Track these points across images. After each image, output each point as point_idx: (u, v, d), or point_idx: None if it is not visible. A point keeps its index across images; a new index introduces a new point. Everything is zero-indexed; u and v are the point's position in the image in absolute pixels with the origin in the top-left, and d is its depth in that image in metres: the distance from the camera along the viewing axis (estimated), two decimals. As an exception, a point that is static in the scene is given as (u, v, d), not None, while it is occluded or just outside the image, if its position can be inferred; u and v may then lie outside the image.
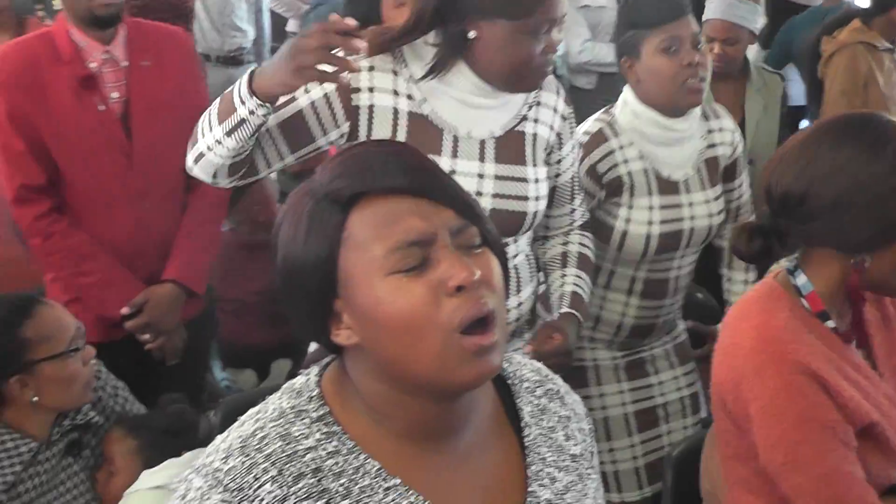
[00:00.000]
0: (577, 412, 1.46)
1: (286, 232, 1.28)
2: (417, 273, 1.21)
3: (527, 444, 1.37)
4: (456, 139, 2.19)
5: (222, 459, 1.23)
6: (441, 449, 1.30)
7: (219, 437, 1.29)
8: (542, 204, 2.31)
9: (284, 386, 1.32)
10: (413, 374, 1.23)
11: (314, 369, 1.34)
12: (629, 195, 2.65)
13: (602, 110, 2.75)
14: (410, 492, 1.26)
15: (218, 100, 2.04)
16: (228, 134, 2.00)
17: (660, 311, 2.76)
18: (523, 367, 1.45)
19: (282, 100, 2.08)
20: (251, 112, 1.96)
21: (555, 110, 2.35)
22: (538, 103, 2.32)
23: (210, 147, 2.05)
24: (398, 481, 1.26)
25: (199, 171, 2.14)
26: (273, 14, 5.93)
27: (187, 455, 2.29)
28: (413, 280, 1.21)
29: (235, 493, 1.20)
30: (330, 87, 2.12)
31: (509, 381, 1.41)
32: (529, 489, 1.34)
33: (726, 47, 3.72)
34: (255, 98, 1.95)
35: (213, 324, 3.40)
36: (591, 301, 2.53)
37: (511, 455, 1.36)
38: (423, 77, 2.16)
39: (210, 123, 2.04)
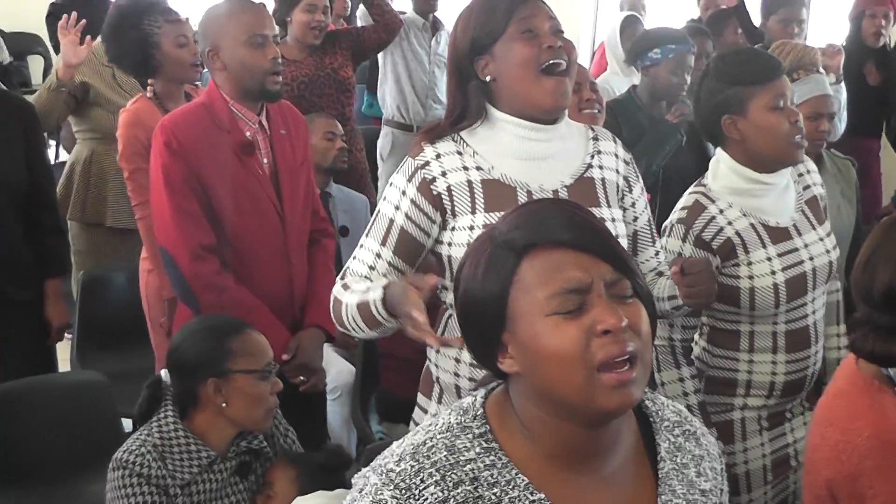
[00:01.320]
0: (711, 452, 1.61)
1: (468, 271, 1.48)
2: (573, 316, 1.39)
3: (660, 476, 1.52)
4: (530, 194, 2.31)
5: (395, 462, 1.42)
6: (585, 472, 1.46)
7: (395, 443, 1.48)
8: (624, 242, 2.40)
9: (455, 404, 1.51)
10: (562, 402, 1.40)
11: (481, 392, 1.52)
12: (744, 252, 2.68)
13: (694, 184, 2.79)
14: None
15: (356, 306, 2.27)
16: (371, 329, 2.29)
17: (807, 361, 2.77)
18: (665, 407, 1.60)
19: (380, 227, 2.36)
20: (386, 321, 2.22)
21: (616, 156, 2.45)
22: (599, 151, 2.42)
23: (360, 335, 2.35)
24: (543, 496, 1.43)
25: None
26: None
27: (338, 491, 2.52)
28: (569, 321, 1.39)
29: (404, 491, 1.39)
30: (411, 191, 2.32)
31: (651, 419, 1.56)
32: None
33: (829, 124, 3.61)
34: (387, 315, 2.20)
35: (373, 377, 3.73)
36: (738, 368, 2.70)
37: (646, 485, 1.51)
38: (463, 128, 2.35)
39: (357, 325, 2.30)
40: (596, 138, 2.44)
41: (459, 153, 2.34)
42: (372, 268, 2.35)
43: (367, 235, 2.41)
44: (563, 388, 1.39)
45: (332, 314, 2.39)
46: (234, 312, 3.03)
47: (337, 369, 4.00)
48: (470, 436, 1.45)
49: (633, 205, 2.48)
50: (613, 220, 2.39)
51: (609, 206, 2.39)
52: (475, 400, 1.50)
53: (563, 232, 1.43)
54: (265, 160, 3.12)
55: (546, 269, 1.41)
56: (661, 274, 2.54)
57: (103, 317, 3.74)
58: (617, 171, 2.44)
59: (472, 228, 2.28)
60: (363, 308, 2.24)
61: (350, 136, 4.90)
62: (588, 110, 3.19)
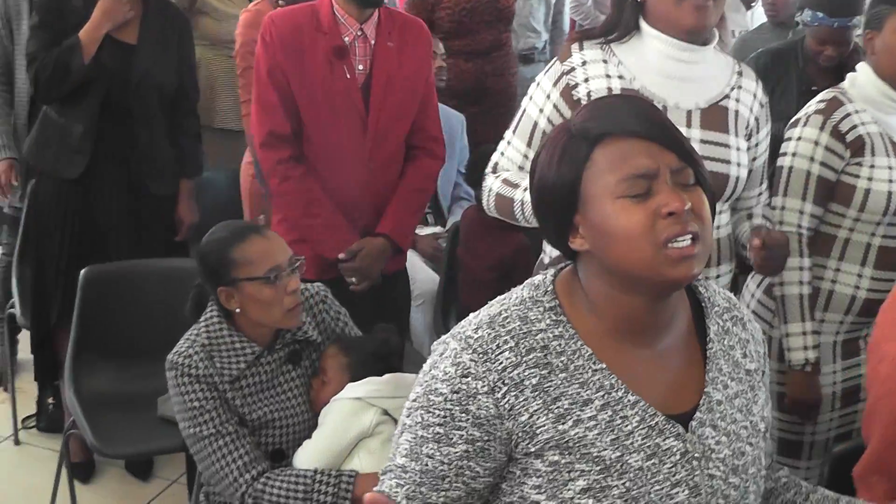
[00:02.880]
0: (756, 338, 1.76)
1: (544, 159, 1.62)
2: (641, 200, 1.53)
3: (709, 356, 1.66)
4: (665, 108, 2.42)
5: (473, 329, 1.58)
6: (641, 345, 1.61)
7: (471, 315, 1.63)
8: (743, 172, 2.51)
9: (527, 281, 1.66)
10: (630, 275, 1.55)
11: (551, 271, 1.67)
12: (871, 154, 2.75)
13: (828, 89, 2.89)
14: (612, 375, 1.58)
15: (521, 201, 2.45)
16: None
17: (891, 284, 2.76)
18: (717, 294, 1.75)
19: (525, 127, 2.52)
20: None
21: (754, 96, 2.56)
22: (740, 87, 2.53)
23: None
24: (604, 366, 1.58)
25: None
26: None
27: (388, 376, 2.63)
28: (636, 204, 1.53)
29: (481, 355, 1.55)
30: (555, 95, 2.47)
31: (703, 304, 1.71)
32: (705, 390, 1.64)
33: None
34: None
35: (454, 289, 3.91)
36: (823, 276, 2.81)
37: (695, 363, 1.66)
38: (613, 39, 2.47)
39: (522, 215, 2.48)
40: (740, 73, 2.56)
41: (605, 61, 2.47)
42: (521, 168, 2.51)
43: (513, 132, 2.57)
44: (631, 264, 1.53)
45: (492, 209, 2.53)
46: (295, 201, 3.24)
47: (422, 278, 4.15)
48: (541, 308, 1.60)
49: (756, 145, 2.58)
50: (738, 148, 2.49)
51: (737, 135, 2.50)
52: (545, 277, 1.65)
53: (634, 123, 1.56)
54: (360, 67, 3.23)
55: (617, 156, 1.55)
56: (751, 217, 2.64)
57: (204, 215, 3.95)
58: (751, 110, 2.54)
59: None
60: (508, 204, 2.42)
61: (504, 61, 5.03)
62: None
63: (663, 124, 1.60)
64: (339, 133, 3.23)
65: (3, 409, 4.19)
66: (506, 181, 2.52)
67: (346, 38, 3.22)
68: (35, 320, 3.83)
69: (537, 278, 1.66)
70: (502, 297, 1.65)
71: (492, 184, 2.55)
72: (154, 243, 3.73)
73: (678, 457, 1.58)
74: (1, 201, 4.30)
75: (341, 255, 3.24)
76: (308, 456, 2.56)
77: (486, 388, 1.54)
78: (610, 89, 2.43)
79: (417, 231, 4.16)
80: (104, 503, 3.76)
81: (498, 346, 1.56)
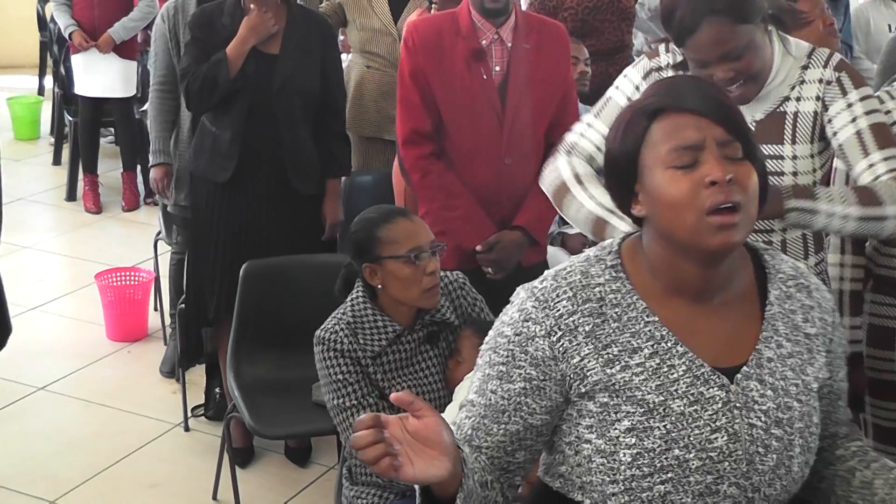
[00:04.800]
0: (823, 305, 1.85)
1: (611, 134, 1.81)
2: (687, 170, 1.67)
3: (766, 316, 1.79)
4: None
5: (540, 281, 1.78)
6: (696, 304, 1.75)
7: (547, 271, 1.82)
8: (807, 179, 2.51)
9: (597, 245, 1.84)
10: (677, 240, 1.70)
11: (621, 236, 1.85)
12: None
13: None
14: (663, 327, 1.73)
15: (591, 215, 2.52)
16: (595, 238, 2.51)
17: None
18: (784, 262, 1.86)
19: (609, 113, 2.59)
20: None
21: (819, 81, 2.50)
22: (802, 82, 2.51)
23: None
24: (656, 318, 1.74)
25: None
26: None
27: None
28: (684, 174, 1.68)
29: (542, 302, 1.74)
30: (643, 86, 2.56)
31: (767, 271, 1.83)
32: (756, 347, 1.76)
33: None
34: None
35: None
36: None
37: (751, 323, 1.79)
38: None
39: (577, 224, 2.60)
40: (806, 67, 2.51)
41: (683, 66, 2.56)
42: (599, 149, 2.59)
43: (596, 116, 2.68)
44: (677, 229, 1.68)
45: (550, 192, 2.66)
46: (435, 195, 3.45)
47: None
48: (602, 265, 1.77)
49: (829, 121, 2.49)
50: (795, 157, 2.51)
51: (794, 142, 2.51)
52: (612, 241, 1.83)
53: (687, 99, 1.71)
54: (497, 68, 3.43)
55: (669, 129, 1.70)
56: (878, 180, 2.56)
57: (353, 215, 4.12)
58: (816, 98, 2.50)
59: None
60: (598, 224, 2.49)
61: (627, 63, 5.09)
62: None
63: (717, 100, 1.73)
64: (477, 131, 3.43)
65: (175, 398, 4.47)
66: (576, 176, 2.60)
67: (484, 42, 3.43)
68: (191, 312, 4.13)
69: (606, 241, 1.83)
70: (574, 256, 1.84)
71: (562, 167, 2.64)
72: (303, 241, 3.92)
73: (720, 405, 1.70)
74: (165, 201, 4.61)
75: (478, 247, 3.41)
76: None
77: (543, 332, 1.72)
78: None
79: (567, 230, 4.26)
80: (263, 486, 3.99)
81: (557, 296, 1.73)
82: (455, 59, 3.41)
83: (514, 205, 3.48)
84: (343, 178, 4.23)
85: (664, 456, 1.68)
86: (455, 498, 1.65)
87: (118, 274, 5.17)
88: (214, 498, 3.88)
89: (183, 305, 4.29)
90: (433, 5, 4.44)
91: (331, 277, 3.20)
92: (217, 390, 4.37)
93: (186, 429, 4.34)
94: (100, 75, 6.56)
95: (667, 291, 1.75)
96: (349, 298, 2.90)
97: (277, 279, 3.75)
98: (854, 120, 2.49)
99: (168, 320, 4.95)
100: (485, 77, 3.42)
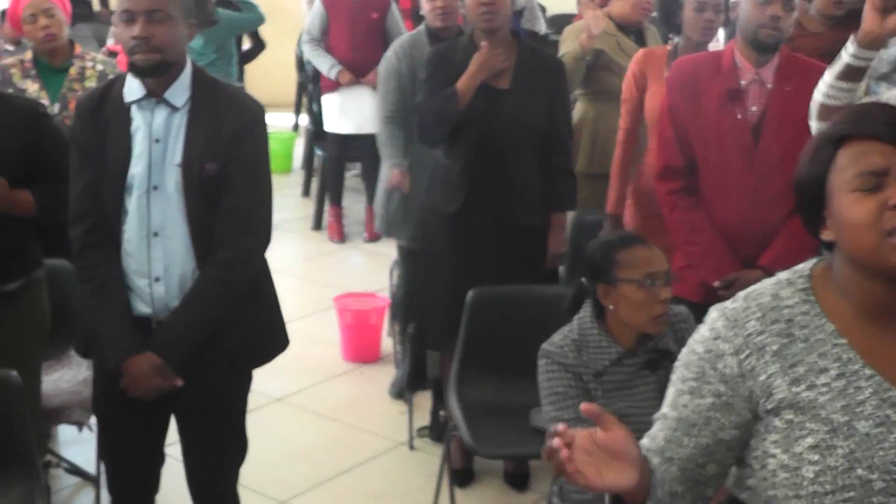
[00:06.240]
0: None
1: (801, 160, 1.86)
2: (871, 193, 1.72)
3: None
4: None
5: (731, 302, 1.85)
6: (887, 327, 1.77)
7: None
8: None
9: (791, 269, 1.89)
10: (861, 262, 1.74)
11: (813, 260, 1.88)
12: None
13: None
14: (851, 350, 1.76)
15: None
16: None
17: None
18: None
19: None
20: None
21: None
22: None
23: None
24: (845, 341, 1.77)
25: None
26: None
27: None
28: (867, 197, 1.72)
29: (732, 321, 1.82)
30: None
31: None
32: None
33: None
34: None
35: None
36: None
37: None
38: None
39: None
40: None
41: None
42: None
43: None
44: (860, 250, 1.73)
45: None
46: (680, 228, 3.54)
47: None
48: (793, 288, 1.83)
49: None
50: None
51: None
52: (805, 265, 1.87)
53: (874, 126, 1.76)
54: (753, 108, 3.49)
55: (854, 155, 1.75)
56: None
57: (575, 249, 4.23)
58: None
59: None
60: None
61: None
62: None
63: None
64: (727, 168, 3.51)
65: (402, 419, 4.67)
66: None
67: (743, 82, 3.50)
68: (418, 337, 4.35)
69: (799, 266, 1.88)
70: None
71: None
72: (523, 271, 4.04)
73: None
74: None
75: (716, 283, 3.46)
76: None
77: (731, 350, 1.80)
78: None
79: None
80: (480, 506, 4.13)
81: (747, 316, 1.81)
82: (712, 99, 3.50)
83: (760, 244, 3.51)
84: (570, 214, 4.34)
85: (847, 475, 1.71)
86: None
87: (356, 298, 5.46)
88: (433, 513, 4.05)
89: (411, 331, 4.50)
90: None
91: (551, 308, 3.31)
92: (442, 413, 4.55)
93: (411, 447, 4.53)
94: (355, 112, 6.91)
95: (856, 315, 1.78)
96: (576, 317, 3.02)
97: (501, 307, 3.90)
98: None
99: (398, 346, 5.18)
100: (739, 117, 3.48)
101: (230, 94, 2.99)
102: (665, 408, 1.90)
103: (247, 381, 3.15)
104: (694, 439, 1.84)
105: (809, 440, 1.74)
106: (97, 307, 2.91)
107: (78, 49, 4.38)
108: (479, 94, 3.93)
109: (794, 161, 3.35)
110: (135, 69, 2.85)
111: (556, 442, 1.67)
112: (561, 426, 1.69)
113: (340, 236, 7.24)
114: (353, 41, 6.84)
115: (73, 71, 4.30)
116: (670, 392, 1.90)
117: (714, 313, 1.86)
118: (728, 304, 1.85)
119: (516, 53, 4.02)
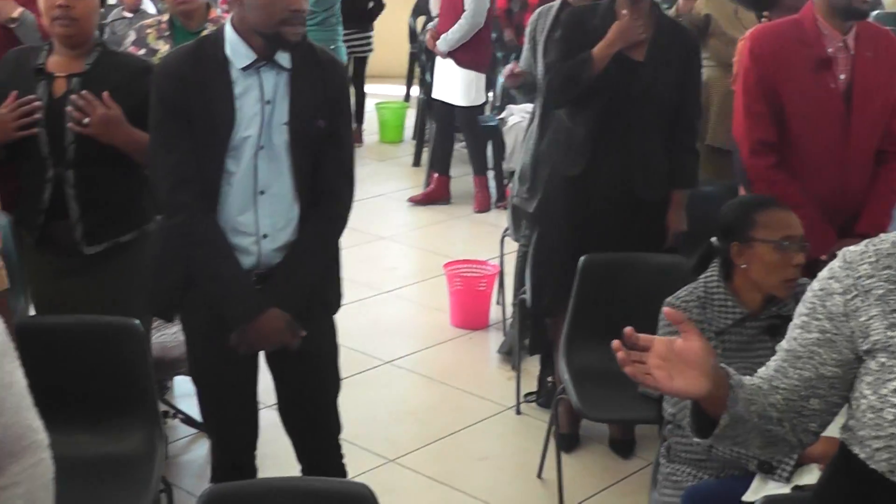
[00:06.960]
0: None
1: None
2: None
3: None
4: None
5: (854, 245, 1.92)
6: None
7: None
8: None
9: None
10: None
11: None
12: None
13: None
14: None
15: None
16: None
17: None
18: None
19: None
20: None
21: None
22: None
23: None
24: None
25: None
26: None
27: None
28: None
29: (848, 263, 1.89)
30: None
31: None
32: None
33: None
34: None
35: None
36: None
37: None
38: None
39: None
40: None
41: None
42: None
43: None
44: None
45: None
46: None
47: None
48: None
49: None
50: None
51: None
52: None
53: None
54: (842, 76, 3.44)
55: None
56: None
57: (696, 226, 4.18)
58: None
59: None
60: None
61: None
62: None
63: None
64: (820, 140, 3.47)
65: (510, 384, 4.72)
66: None
67: (830, 50, 3.44)
68: (531, 301, 4.35)
69: None
70: None
71: None
72: (641, 246, 4.00)
73: None
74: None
75: (823, 257, 3.39)
76: None
77: (841, 290, 1.87)
78: None
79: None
80: (585, 471, 4.15)
81: (861, 259, 1.87)
82: (801, 68, 3.44)
83: (853, 211, 3.50)
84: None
85: None
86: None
87: (466, 265, 5.50)
88: (539, 476, 4.08)
89: (524, 296, 4.52)
90: None
91: (666, 277, 3.30)
92: (549, 379, 4.57)
93: (518, 412, 4.57)
94: (448, 82, 7.09)
95: None
96: (703, 276, 3.04)
97: (614, 274, 3.90)
98: None
99: (510, 311, 5.20)
100: (832, 86, 3.44)
101: (325, 55, 3.07)
102: (784, 342, 1.97)
103: (334, 325, 3.21)
104: (798, 371, 1.91)
105: (894, 384, 1.78)
106: (217, 269, 2.97)
107: (213, 13, 4.47)
108: (613, 62, 3.88)
109: (878, 129, 3.51)
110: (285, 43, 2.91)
111: (615, 343, 1.80)
112: (628, 329, 1.81)
113: (483, 206, 7.31)
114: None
115: (205, 34, 4.38)
116: (790, 326, 1.97)
117: (839, 254, 1.91)
118: (853, 247, 1.90)
119: (655, 26, 3.97)
